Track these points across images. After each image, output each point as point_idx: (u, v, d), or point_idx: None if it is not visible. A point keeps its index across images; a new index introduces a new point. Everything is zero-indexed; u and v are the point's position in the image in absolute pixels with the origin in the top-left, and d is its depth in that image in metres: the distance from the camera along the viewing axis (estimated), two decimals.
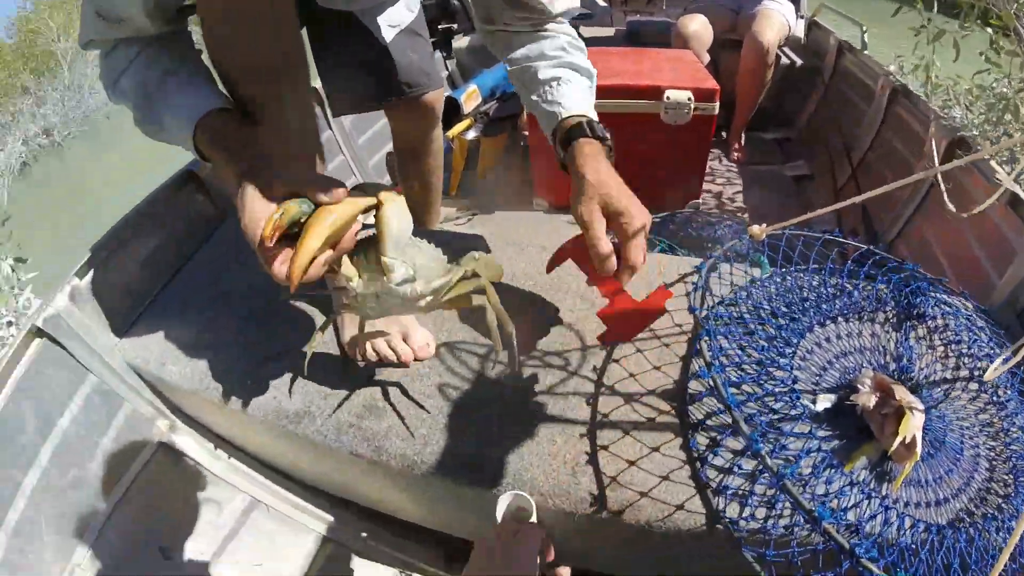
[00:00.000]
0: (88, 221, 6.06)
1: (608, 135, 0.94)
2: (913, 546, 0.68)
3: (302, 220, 0.62)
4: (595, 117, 0.96)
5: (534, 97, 1.00)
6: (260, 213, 0.64)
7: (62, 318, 1.00)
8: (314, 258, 0.61)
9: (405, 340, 0.96)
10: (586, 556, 0.91)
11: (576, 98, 0.97)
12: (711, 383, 0.76)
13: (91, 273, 1.06)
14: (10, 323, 2.30)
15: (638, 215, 0.84)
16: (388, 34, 1.16)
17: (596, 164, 0.89)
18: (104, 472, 1.07)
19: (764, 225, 0.93)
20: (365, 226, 0.67)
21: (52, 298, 1.00)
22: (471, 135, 2.05)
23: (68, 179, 9.13)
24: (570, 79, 0.98)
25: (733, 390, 0.79)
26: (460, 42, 2.71)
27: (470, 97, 2.05)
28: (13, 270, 2.45)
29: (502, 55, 1.06)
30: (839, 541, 0.65)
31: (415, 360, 0.95)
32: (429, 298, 0.74)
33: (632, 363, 0.92)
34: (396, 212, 0.66)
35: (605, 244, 0.82)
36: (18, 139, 9.40)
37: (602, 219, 0.83)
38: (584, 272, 0.86)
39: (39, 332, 0.99)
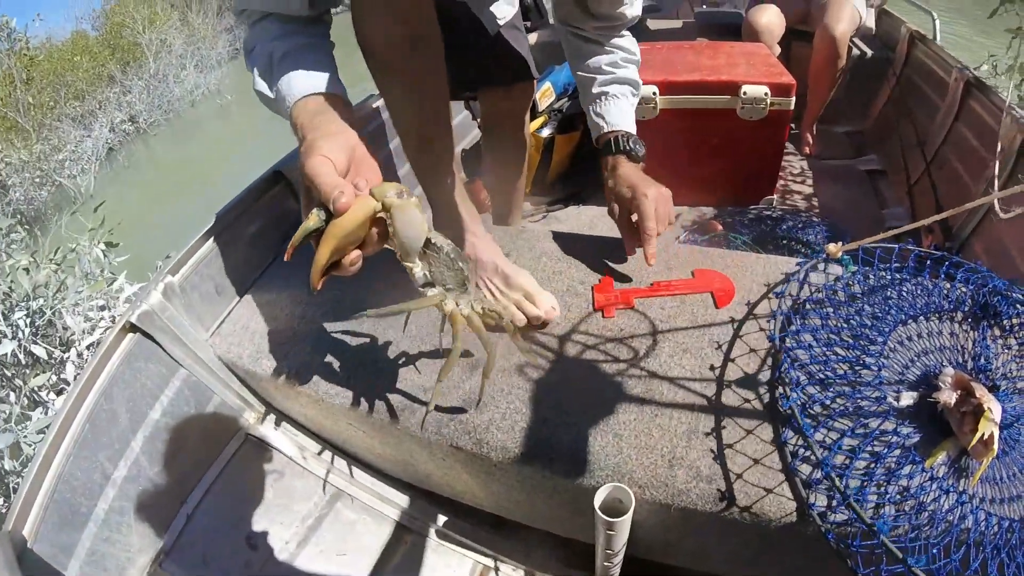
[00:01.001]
0: (174, 206, 6.30)
1: (638, 147, 1.14)
2: (991, 542, 0.68)
3: (321, 228, 0.66)
4: (631, 128, 1.16)
5: (588, 106, 1.20)
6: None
7: (156, 314, 1.03)
8: (331, 264, 0.67)
9: (532, 303, 1.00)
10: (674, 550, 0.91)
11: (616, 114, 1.16)
12: (790, 411, 0.79)
13: (183, 270, 1.08)
14: (103, 307, 2.39)
15: (649, 196, 1.05)
16: (496, 25, 1.25)
17: (617, 171, 1.13)
18: (193, 463, 1.11)
19: (840, 244, 0.94)
20: None
21: (146, 295, 1.03)
22: (545, 132, 2.05)
23: (154, 165, 9.45)
24: (616, 94, 1.17)
25: (816, 390, 0.80)
26: (530, 37, 2.71)
27: (544, 95, 2.06)
28: (105, 255, 2.54)
29: (570, 59, 1.23)
30: (895, 551, 0.66)
31: (543, 323, 0.99)
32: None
33: (723, 355, 0.92)
34: (402, 219, 0.68)
35: (631, 237, 1.10)
36: (105, 126, 9.71)
37: (624, 212, 1.10)
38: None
39: (132, 327, 1.02)
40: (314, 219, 0.66)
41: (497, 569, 1.06)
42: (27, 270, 2.39)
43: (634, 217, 1.09)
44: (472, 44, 1.24)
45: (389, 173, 1.85)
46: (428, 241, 0.72)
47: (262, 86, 0.85)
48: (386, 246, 0.72)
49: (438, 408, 0.91)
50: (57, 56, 11.64)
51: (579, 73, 1.20)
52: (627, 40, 1.20)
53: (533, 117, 2.05)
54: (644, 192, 1.06)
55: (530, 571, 1.06)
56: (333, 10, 0.91)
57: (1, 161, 8.16)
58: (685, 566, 0.95)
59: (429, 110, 0.93)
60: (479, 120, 1.53)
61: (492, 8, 1.24)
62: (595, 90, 1.17)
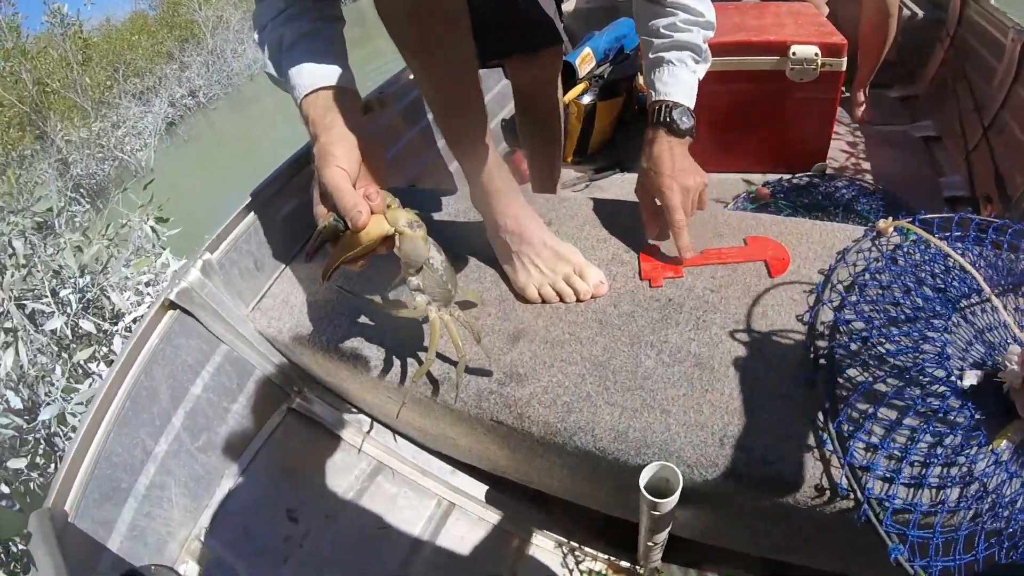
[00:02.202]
0: (235, 177, 6.42)
1: (683, 120, 1.03)
2: None
3: (338, 232, 0.76)
4: (686, 100, 1.05)
5: (647, 73, 1.10)
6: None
7: (195, 291, 1.03)
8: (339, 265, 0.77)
9: (580, 277, 0.99)
10: (720, 532, 0.88)
11: (669, 82, 1.05)
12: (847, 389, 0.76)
13: (222, 247, 1.08)
14: (148, 283, 2.44)
15: (665, 188, 0.99)
16: None
17: (653, 147, 1.03)
18: (234, 437, 1.12)
19: (890, 219, 0.92)
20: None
21: (185, 273, 1.03)
22: (586, 99, 2.01)
23: (214, 138, 9.72)
24: (672, 60, 1.06)
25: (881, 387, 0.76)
26: (567, 5, 2.66)
27: (584, 61, 2.02)
28: (154, 230, 2.59)
29: (636, 21, 1.12)
30: (907, 569, 0.64)
31: (592, 297, 0.98)
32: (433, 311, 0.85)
33: (777, 327, 0.88)
34: (408, 245, 0.78)
35: (652, 222, 1.05)
36: (164, 102, 10.03)
37: (648, 197, 1.04)
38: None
39: (172, 305, 1.03)
40: (329, 225, 0.75)
41: (538, 545, 1.04)
42: (80, 247, 2.44)
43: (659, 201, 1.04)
44: (495, 8, 1.19)
45: (427, 145, 1.83)
46: (427, 260, 0.81)
47: (272, 69, 0.90)
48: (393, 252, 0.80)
49: (479, 382, 0.89)
50: (116, 36, 12.04)
51: (642, 37, 1.11)
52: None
53: (574, 84, 2.01)
54: (670, 182, 0.99)
55: (571, 548, 1.04)
56: None
57: (62, 139, 8.48)
58: (731, 548, 0.93)
59: (457, 83, 0.90)
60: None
61: None
62: (651, 55, 1.08)
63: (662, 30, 1.05)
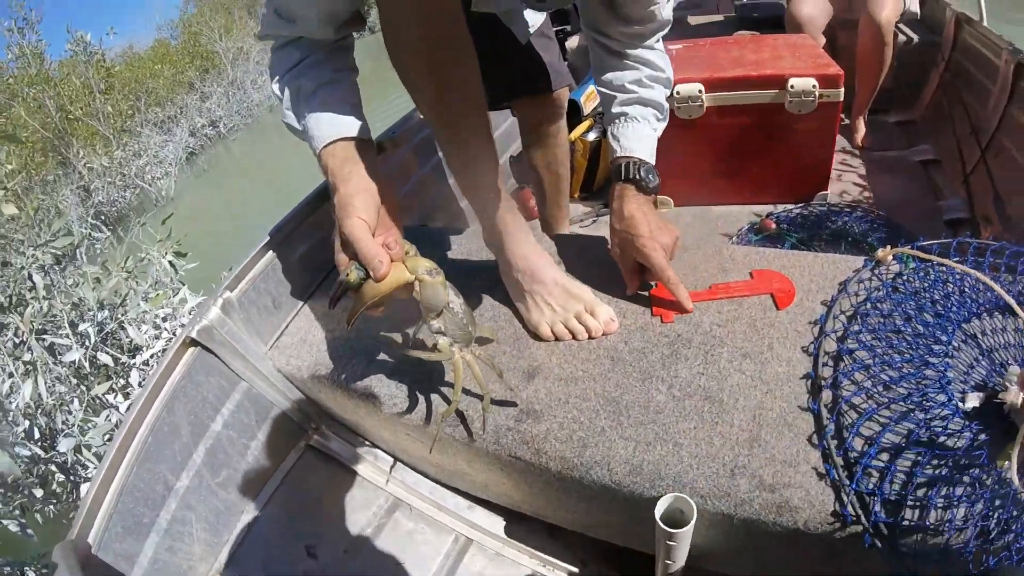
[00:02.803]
0: (253, 206, 6.51)
1: (650, 178, 1.05)
2: None
3: (360, 281, 0.80)
4: (648, 157, 1.07)
5: (607, 126, 1.12)
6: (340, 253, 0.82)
7: (215, 329, 1.05)
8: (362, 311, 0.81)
9: (592, 315, 1.01)
10: (735, 560, 0.89)
11: (633, 138, 1.07)
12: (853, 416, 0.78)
13: (241, 285, 1.11)
14: (165, 318, 2.47)
15: (643, 240, 1.00)
16: (528, 34, 1.24)
17: (622, 204, 1.04)
18: (253, 473, 1.13)
19: (889, 248, 0.96)
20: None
21: (206, 311, 1.05)
22: (592, 136, 2.05)
23: (234, 167, 9.86)
24: (636, 116, 1.08)
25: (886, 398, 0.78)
26: (571, 42, 2.71)
27: (589, 98, 2.06)
28: (172, 264, 2.63)
29: (594, 73, 1.14)
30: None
31: (603, 334, 1.00)
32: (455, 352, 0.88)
33: (784, 358, 0.90)
34: (428, 292, 0.82)
35: (633, 278, 1.05)
36: (185, 130, 10.23)
37: (628, 257, 1.04)
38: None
39: (193, 342, 1.05)
40: (354, 276, 0.79)
41: None
42: (99, 279, 2.49)
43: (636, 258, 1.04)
44: (501, 53, 1.23)
45: (439, 183, 1.85)
46: (447, 304, 0.84)
47: (291, 119, 0.92)
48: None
49: (495, 418, 0.91)
50: (138, 65, 12.29)
51: (601, 89, 1.13)
52: (657, 55, 1.10)
53: (579, 121, 2.05)
54: (652, 243, 1.00)
55: None
56: (356, 33, 0.95)
57: (84, 166, 8.66)
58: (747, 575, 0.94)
59: (468, 132, 0.92)
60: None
61: (525, 15, 1.23)
62: (615, 110, 1.10)
63: (627, 85, 1.08)
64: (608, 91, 1.11)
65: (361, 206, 0.81)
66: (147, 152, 9.15)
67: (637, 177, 1.04)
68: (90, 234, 3.52)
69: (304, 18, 0.87)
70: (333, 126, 0.87)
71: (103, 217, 7.71)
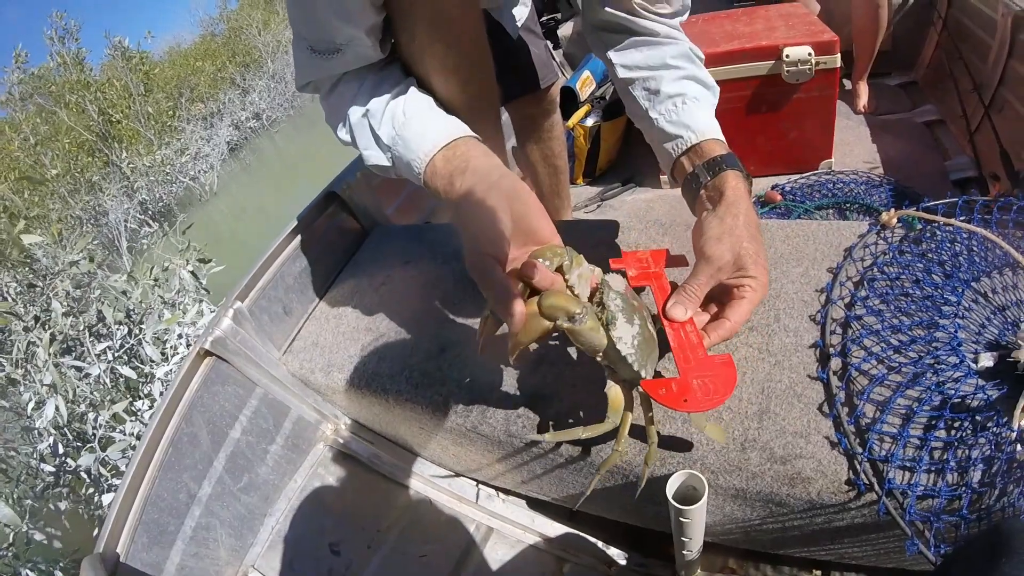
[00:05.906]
0: (299, 196, 6.60)
1: (743, 167, 0.84)
2: None
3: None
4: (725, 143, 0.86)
5: (654, 115, 0.88)
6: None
7: (228, 339, 1.07)
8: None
9: None
10: (753, 534, 0.88)
11: (708, 122, 0.85)
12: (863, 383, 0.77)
13: (251, 295, 1.13)
14: (180, 336, 2.52)
15: (760, 287, 0.76)
16: (517, 29, 1.22)
17: (739, 208, 0.79)
18: (274, 476, 1.15)
19: (892, 211, 0.93)
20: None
21: (218, 322, 1.07)
22: (590, 121, 2.05)
23: (278, 159, 10.09)
24: (698, 96, 0.86)
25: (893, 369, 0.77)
26: (563, 30, 2.71)
27: (584, 84, 2.05)
28: (193, 274, 2.66)
29: (610, 58, 0.95)
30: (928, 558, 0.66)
31: None
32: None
33: (790, 329, 0.89)
34: (579, 339, 0.68)
35: (698, 295, 0.77)
36: (228, 124, 10.56)
37: (727, 269, 0.77)
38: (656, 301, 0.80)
39: (207, 353, 1.07)
40: (491, 323, 0.73)
41: (577, 562, 1.06)
42: (126, 292, 2.53)
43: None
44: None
45: None
46: (611, 343, 0.70)
47: (376, 157, 0.82)
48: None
49: (505, 406, 0.92)
50: (180, 62, 12.74)
51: (631, 74, 0.91)
52: (683, 34, 0.93)
53: (576, 107, 2.04)
54: (759, 291, 0.77)
55: (609, 562, 1.05)
56: None
57: (128, 167, 8.95)
58: (766, 550, 0.94)
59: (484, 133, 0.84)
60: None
61: (509, 15, 1.20)
62: (668, 89, 0.87)
63: (670, 61, 0.89)
64: (645, 73, 0.90)
65: (483, 233, 0.67)
66: (189, 149, 9.44)
67: (738, 166, 0.83)
68: (139, 229, 3.58)
69: (351, 40, 0.77)
70: (439, 133, 0.77)
71: (149, 212, 7.98)
